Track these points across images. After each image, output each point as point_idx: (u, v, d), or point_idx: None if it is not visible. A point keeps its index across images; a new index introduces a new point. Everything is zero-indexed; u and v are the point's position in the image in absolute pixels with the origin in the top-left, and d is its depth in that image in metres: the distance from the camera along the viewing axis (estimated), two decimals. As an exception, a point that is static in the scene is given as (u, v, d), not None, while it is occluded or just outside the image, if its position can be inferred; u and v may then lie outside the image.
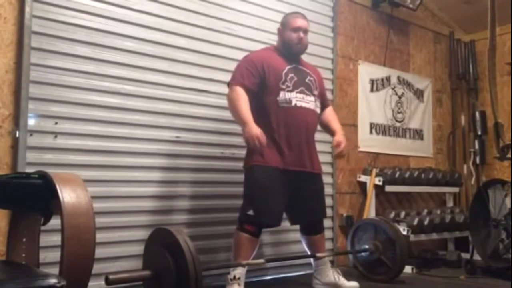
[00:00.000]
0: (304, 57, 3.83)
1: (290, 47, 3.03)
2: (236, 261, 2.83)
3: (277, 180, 2.85)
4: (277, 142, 2.88)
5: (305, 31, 3.05)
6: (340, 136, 3.08)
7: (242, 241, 2.82)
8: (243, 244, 2.82)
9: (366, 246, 3.39)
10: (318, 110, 3.09)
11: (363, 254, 3.42)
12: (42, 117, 2.69)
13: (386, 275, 3.31)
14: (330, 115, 3.25)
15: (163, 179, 3.11)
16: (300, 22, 3.04)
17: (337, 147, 3.04)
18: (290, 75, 2.96)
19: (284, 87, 2.92)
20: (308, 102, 2.99)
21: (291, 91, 2.93)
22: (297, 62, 3.09)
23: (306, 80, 3.03)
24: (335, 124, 3.20)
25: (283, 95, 2.90)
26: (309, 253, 3.14)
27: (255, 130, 2.73)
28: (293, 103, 2.92)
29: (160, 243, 2.34)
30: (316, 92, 3.06)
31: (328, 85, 4.07)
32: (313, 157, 3.02)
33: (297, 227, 3.20)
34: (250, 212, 2.82)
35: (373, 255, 3.36)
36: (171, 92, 3.17)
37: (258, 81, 2.89)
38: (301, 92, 2.97)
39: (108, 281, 2.18)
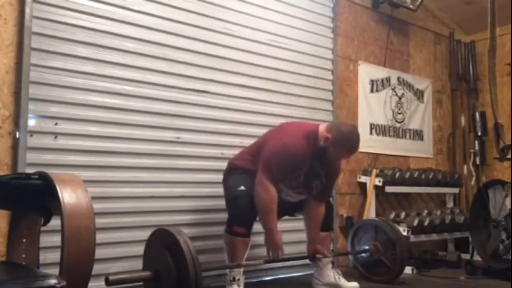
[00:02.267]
0: (304, 57, 3.85)
1: (327, 158, 2.85)
2: (231, 263, 2.83)
3: None
4: None
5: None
6: (311, 247, 3.02)
7: (233, 244, 2.81)
8: (235, 246, 2.81)
9: (366, 247, 3.39)
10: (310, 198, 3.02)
11: (363, 254, 3.42)
12: (42, 117, 2.69)
13: (386, 276, 3.31)
14: (314, 221, 3.03)
15: (163, 180, 3.10)
16: (350, 156, 3.05)
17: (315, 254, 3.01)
18: (301, 177, 2.88)
19: (286, 182, 2.87)
20: (298, 199, 2.98)
21: (288, 187, 2.90)
22: (323, 157, 2.88)
23: (311, 184, 2.93)
24: (314, 231, 3.04)
25: (279, 186, 2.84)
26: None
27: (279, 241, 2.79)
28: (282, 196, 2.88)
29: (161, 243, 2.34)
30: (314, 192, 2.97)
31: (328, 86, 4.08)
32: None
33: (297, 227, 3.20)
34: (242, 187, 2.81)
35: (373, 256, 3.36)
36: (171, 92, 3.17)
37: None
38: (297, 192, 2.95)
39: (108, 282, 2.18)
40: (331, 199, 3.25)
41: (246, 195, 2.80)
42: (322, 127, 2.86)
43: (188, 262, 2.17)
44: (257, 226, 2.96)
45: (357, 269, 3.49)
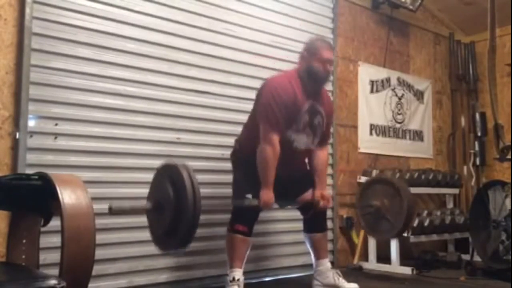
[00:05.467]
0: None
1: (316, 78, 2.90)
2: (231, 263, 2.84)
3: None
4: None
5: (331, 63, 3.00)
6: (318, 193, 2.98)
7: (235, 242, 2.83)
8: (236, 245, 2.83)
9: (372, 203, 3.37)
10: (314, 147, 3.04)
11: (370, 210, 3.40)
12: (42, 118, 2.70)
13: (390, 232, 3.32)
14: (320, 164, 3.06)
15: (163, 180, 3.10)
16: (329, 55, 2.94)
17: (316, 204, 2.98)
18: (305, 116, 2.88)
19: (293, 126, 2.87)
20: (308, 144, 2.97)
21: (296, 131, 2.89)
22: (317, 94, 2.96)
23: (315, 122, 2.95)
24: (320, 176, 3.05)
25: (288, 134, 2.85)
26: (311, 253, 3.13)
27: (271, 198, 2.78)
28: (293, 145, 2.88)
29: (165, 176, 2.34)
30: (319, 133, 2.99)
31: (328, 86, 4.06)
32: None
33: (297, 227, 3.20)
34: (249, 196, 2.82)
35: (378, 212, 3.35)
36: (172, 93, 3.17)
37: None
38: (305, 133, 2.93)
39: (111, 211, 2.25)
40: (331, 198, 3.24)
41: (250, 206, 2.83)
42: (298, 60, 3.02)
43: (188, 192, 2.17)
44: (258, 227, 2.96)
45: (361, 226, 3.52)
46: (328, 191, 3.09)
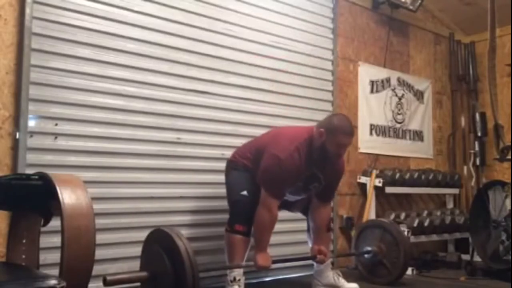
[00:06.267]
0: (304, 58, 3.85)
1: (326, 157, 2.85)
2: (231, 263, 2.84)
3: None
4: None
5: (346, 148, 2.95)
6: (316, 248, 3.01)
7: (234, 242, 2.83)
8: (235, 245, 2.83)
9: (370, 248, 3.38)
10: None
11: (366, 255, 3.41)
12: (42, 118, 2.69)
13: (387, 278, 3.30)
14: (320, 220, 3.05)
15: (164, 180, 3.10)
16: (347, 141, 2.86)
17: (314, 257, 3.02)
18: (300, 183, 2.89)
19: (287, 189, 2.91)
20: (296, 199, 3.03)
21: (289, 193, 2.95)
22: (323, 161, 2.90)
23: (310, 187, 2.95)
24: (319, 233, 3.05)
25: None
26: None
27: (266, 260, 2.82)
28: (284, 198, 2.94)
29: (157, 244, 2.34)
30: (313, 193, 3.00)
31: (328, 86, 4.08)
32: None
33: (297, 227, 3.20)
34: (244, 193, 2.86)
35: (376, 257, 3.35)
36: (172, 93, 3.17)
37: None
38: (296, 194, 3.00)
39: (106, 282, 2.18)
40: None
41: (248, 200, 2.85)
42: (315, 127, 2.89)
43: (185, 263, 2.17)
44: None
45: (358, 269, 3.48)
46: (328, 248, 3.10)
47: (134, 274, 2.37)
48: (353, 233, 3.76)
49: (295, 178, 2.83)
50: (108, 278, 2.20)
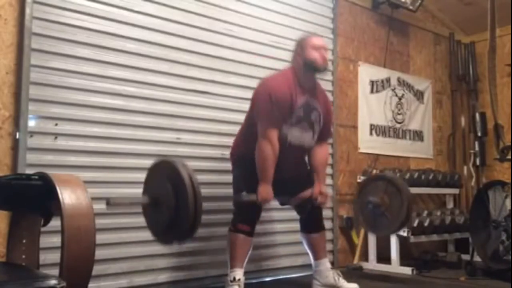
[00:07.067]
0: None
1: (315, 66, 2.87)
2: (232, 262, 2.84)
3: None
4: None
5: (326, 49, 2.98)
6: (317, 189, 2.98)
7: (237, 241, 2.83)
8: (238, 244, 2.83)
9: (372, 199, 3.38)
10: (313, 144, 3.02)
11: (369, 206, 3.41)
12: (42, 118, 2.70)
13: (387, 229, 3.33)
14: (318, 160, 3.05)
15: (163, 181, 3.10)
16: (319, 41, 2.94)
17: (314, 199, 2.99)
18: (299, 110, 2.86)
19: (287, 121, 2.85)
20: (304, 139, 2.94)
21: (290, 126, 2.86)
22: (313, 89, 2.95)
23: (311, 117, 2.94)
24: (318, 173, 3.05)
25: (282, 129, 2.83)
26: (310, 253, 3.13)
27: (269, 193, 2.78)
28: (287, 140, 2.86)
29: (163, 174, 2.31)
30: (317, 129, 2.98)
31: (328, 86, 4.07)
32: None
33: (296, 227, 3.20)
34: (244, 193, 2.83)
35: (378, 208, 3.35)
36: (172, 93, 3.17)
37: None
38: (300, 127, 2.90)
39: (108, 203, 2.26)
40: (330, 199, 3.25)
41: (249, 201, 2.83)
42: (291, 62, 3.00)
43: (188, 191, 2.15)
44: (258, 227, 2.96)
45: (360, 220, 3.51)
46: (327, 190, 3.08)
47: (136, 199, 2.44)
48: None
49: (289, 102, 2.80)
50: (111, 199, 2.31)
